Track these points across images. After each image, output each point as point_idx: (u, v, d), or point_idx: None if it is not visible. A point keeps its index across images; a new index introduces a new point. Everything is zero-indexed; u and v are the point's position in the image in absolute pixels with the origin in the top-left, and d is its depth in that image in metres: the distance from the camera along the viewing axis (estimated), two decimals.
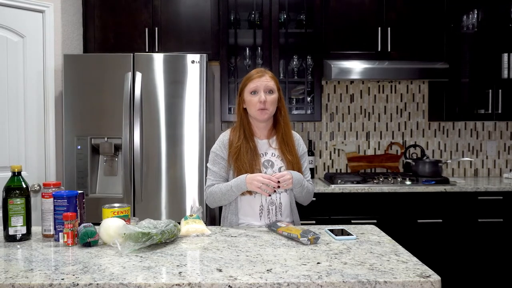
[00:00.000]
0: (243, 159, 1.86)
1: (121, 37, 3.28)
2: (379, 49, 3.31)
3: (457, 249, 3.07)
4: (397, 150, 3.70)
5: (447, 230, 3.07)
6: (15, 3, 2.76)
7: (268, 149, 1.94)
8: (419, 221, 3.06)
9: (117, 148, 2.89)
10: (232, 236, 1.69)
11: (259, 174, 1.79)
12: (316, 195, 3.03)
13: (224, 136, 1.98)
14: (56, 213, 1.63)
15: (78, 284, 1.18)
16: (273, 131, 1.97)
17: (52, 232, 1.66)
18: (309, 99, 3.42)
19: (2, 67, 2.72)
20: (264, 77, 1.89)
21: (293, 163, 1.89)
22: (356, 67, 3.23)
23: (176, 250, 1.50)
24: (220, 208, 3.07)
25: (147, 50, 3.25)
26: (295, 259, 1.39)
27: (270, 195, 1.85)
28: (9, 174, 1.66)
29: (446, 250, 3.07)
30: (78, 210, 1.66)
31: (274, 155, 1.93)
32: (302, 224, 2.03)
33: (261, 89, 1.87)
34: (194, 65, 2.84)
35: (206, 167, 2.80)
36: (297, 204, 2.04)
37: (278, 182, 1.75)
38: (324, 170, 3.69)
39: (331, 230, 1.73)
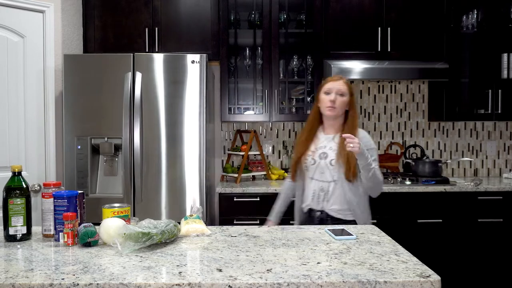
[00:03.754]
0: (298, 149, 2.22)
1: (121, 37, 3.28)
2: (379, 49, 3.31)
3: (457, 249, 3.07)
4: (397, 150, 3.70)
5: (447, 230, 3.07)
6: (15, 3, 2.76)
7: (329, 143, 2.16)
8: (419, 221, 3.06)
9: (117, 148, 2.89)
10: (232, 236, 1.69)
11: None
12: None
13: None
14: (56, 213, 1.63)
15: (78, 284, 1.18)
16: (340, 129, 2.17)
17: (52, 232, 1.66)
18: (309, 99, 3.42)
19: (2, 67, 2.72)
20: (338, 82, 2.15)
21: (348, 156, 2.04)
22: (356, 67, 3.23)
23: (176, 250, 1.50)
24: (220, 208, 3.08)
25: (147, 50, 3.25)
26: (295, 259, 1.39)
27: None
28: (9, 174, 1.66)
29: (446, 250, 3.07)
30: (78, 210, 1.66)
31: (331, 149, 2.14)
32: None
33: (333, 91, 2.13)
34: (194, 65, 2.84)
35: (206, 166, 2.83)
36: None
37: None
38: None
39: (331, 230, 1.73)
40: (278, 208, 2.36)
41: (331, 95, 2.13)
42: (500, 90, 3.33)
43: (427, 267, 1.31)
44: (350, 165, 2.04)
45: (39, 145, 2.89)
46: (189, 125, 2.84)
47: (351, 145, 1.92)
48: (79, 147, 2.85)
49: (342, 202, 2.13)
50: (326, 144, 2.17)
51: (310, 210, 2.18)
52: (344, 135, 1.97)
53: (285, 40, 3.40)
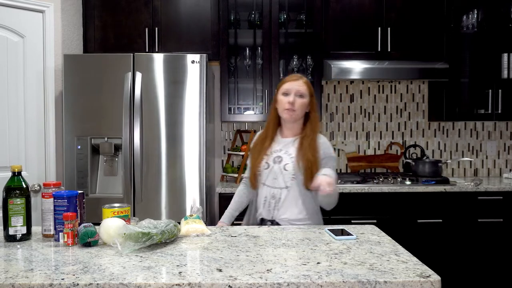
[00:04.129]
0: (255, 154, 2.07)
1: (121, 37, 3.28)
2: (379, 49, 3.31)
3: (457, 249, 3.07)
4: (397, 150, 3.70)
5: (447, 230, 3.07)
6: (15, 3, 2.76)
7: (284, 147, 2.03)
8: (419, 221, 3.06)
9: (117, 148, 2.89)
10: (232, 236, 1.69)
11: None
12: None
13: (258, 133, 2.19)
14: (56, 213, 1.63)
15: (78, 284, 1.18)
16: (299, 132, 2.06)
17: (52, 232, 1.66)
18: None
19: (2, 67, 2.72)
20: (297, 82, 2.02)
21: (308, 163, 1.92)
22: (356, 67, 3.23)
23: (176, 250, 1.50)
24: (220, 208, 3.08)
25: (147, 50, 3.25)
26: (295, 259, 1.39)
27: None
28: (9, 174, 1.66)
29: (446, 250, 3.07)
30: (78, 210, 1.66)
31: (287, 153, 2.01)
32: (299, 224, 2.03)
33: (292, 92, 1.99)
34: (194, 65, 2.84)
35: (206, 166, 2.88)
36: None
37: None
38: None
39: (331, 230, 1.73)
40: (231, 211, 2.17)
41: (289, 96, 1.98)
42: (500, 90, 3.33)
43: (427, 267, 1.31)
44: (311, 174, 1.88)
45: (39, 145, 2.89)
46: (189, 125, 2.84)
47: (327, 189, 1.73)
48: (79, 147, 2.85)
49: (294, 211, 1.97)
50: (282, 147, 2.03)
51: (262, 220, 2.03)
52: (314, 186, 1.78)
53: (285, 40, 3.40)
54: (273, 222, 1.99)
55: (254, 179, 2.05)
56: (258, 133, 2.18)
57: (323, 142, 2.03)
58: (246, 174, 2.22)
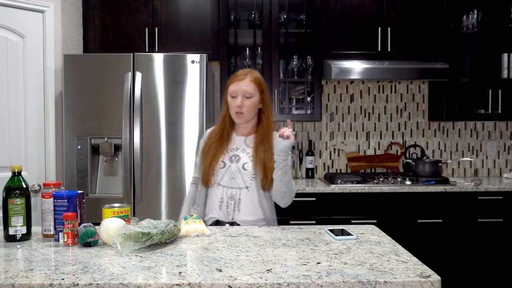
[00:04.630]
0: (210, 152, 1.96)
1: (121, 37, 3.28)
2: (379, 49, 3.31)
3: (457, 249, 3.07)
4: (397, 150, 3.70)
5: (447, 230, 3.07)
6: (15, 3, 2.76)
7: (241, 145, 1.97)
8: (419, 221, 3.06)
9: (117, 148, 2.89)
10: (232, 236, 1.69)
11: None
12: (316, 195, 3.03)
13: (208, 131, 2.10)
14: (56, 213, 1.62)
15: (78, 284, 1.18)
16: (254, 130, 1.99)
17: (52, 232, 1.66)
18: (309, 99, 3.42)
19: (2, 67, 2.72)
20: (244, 81, 1.91)
21: (265, 161, 1.88)
22: (356, 67, 3.23)
23: (176, 250, 1.50)
24: None
25: (147, 50, 3.25)
26: (295, 259, 1.39)
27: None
28: (9, 174, 1.66)
29: (446, 250, 3.07)
30: (78, 210, 1.66)
31: (245, 152, 1.95)
32: (302, 224, 2.03)
33: (239, 94, 1.90)
34: (194, 65, 2.84)
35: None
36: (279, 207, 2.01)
37: None
38: (324, 170, 3.69)
39: (331, 230, 1.73)
40: (185, 213, 2.06)
41: (237, 98, 1.89)
42: (500, 90, 3.33)
43: (427, 267, 1.31)
44: (267, 173, 1.86)
45: (39, 145, 2.89)
46: (189, 125, 2.84)
47: (288, 131, 1.80)
48: (79, 147, 2.85)
49: (255, 212, 1.93)
50: (239, 146, 1.97)
51: (217, 223, 1.95)
52: (279, 133, 1.82)
53: (285, 40, 3.40)
54: (233, 225, 1.92)
55: (209, 178, 1.94)
56: (209, 130, 2.08)
57: (279, 141, 1.92)
58: (196, 174, 2.08)
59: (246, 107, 1.90)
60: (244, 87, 1.90)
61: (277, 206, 2.01)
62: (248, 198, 1.92)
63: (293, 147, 3.63)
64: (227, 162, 1.94)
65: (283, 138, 1.82)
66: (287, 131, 1.81)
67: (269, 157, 1.88)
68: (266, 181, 1.88)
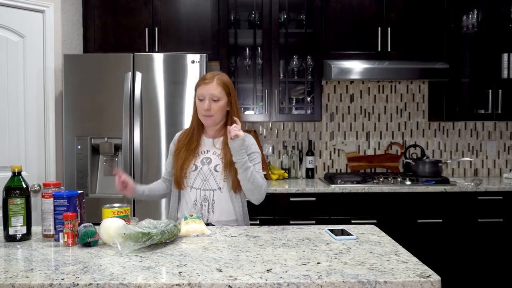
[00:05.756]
0: (181, 155, 1.97)
1: (121, 37, 3.28)
2: (379, 49, 3.31)
3: (457, 249, 3.07)
4: (397, 150, 3.70)
5: (447, 230, 3.07)
6: (15, 3, 2.76)
7: (211, 147, 1.99)
8: (419, 221, 3.06)
9: (117, 148, 2.89)
10: (232, 236, 1.69)
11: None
12: (316, 195, 3.03)
13: (177, 134, 2.10)
14: (56, 213, 1.63)
15: (78, 284, 1.18)
16: (222, 131, 2.00)
17: (52, 232, 1.66)
18: (309, 99, 3.42)
19: (2, 67, 2.72)
20: (210, 85, 1.92)
21: (232, 165, 1.89)
22: (356, 67, 3.23)
23: (176, 250, 1.50)
24: None
25: (147, 50, 3.25)
26: (295, 259, 1.39)
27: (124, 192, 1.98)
28: (9, 174, 1.66)
29: (446, 250, 3.07)
30: (78, 210, 1.66)
31: (215, 153, 1.97)
32: (302, 224, 2.03)
33: (206, 97, 1.92)
34: (194, 65, 2.85)
35: None
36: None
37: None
38: (324, 170, 3.69)
39: (331, 230, 1.73)
40: (145, 187, 2.06)
41: (204, 102, 1.91)
42: (500, 90, 3.33)
43: (427, 267, 1.31)
44: (236, 174, 1.87)
45: (39, 145, 2.89)
46: (189, 125, 2.83)
47: (235, 129, 1.80)
48: (79, 147, 2.85)
49: (229, 213, 1.95)
50: (209, 148, 1.98)
51: None
52: (228, 128, 1.83)
53: (285, 40, 3.40)
54: (207, 225, 1.87)
55: (182, 181, 1.95)
56: (179, 133, 2.10)
57: (247, 140, 1.95)
58: (167, 175, 2.09)
59: (213, 110, 1.92)
60: (211, 91, 1.91)
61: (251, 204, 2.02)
62: (221, 199, 1.94)
63: (293, 147, 3.63)
64: (198, 164, 1.95)
65: (232, 139, 1.82)
66: (232, 130, 1.82)
67: None
68: (236, 184, 1.90)
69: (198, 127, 2.01)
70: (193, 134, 2.01)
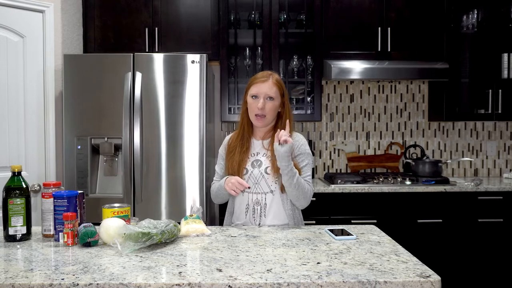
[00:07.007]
0: (235, 158, 1.93)
1: (121, 37, 3.28)
2: (379, 49, 3.31)
3: (457, 249, 3.07)
4: (397, 150, 3.70)
5: (447, 230, 3.07)
6: (15, 3, 2.76)
7: (261, 150, 1.96)
8: (419, 221, 3.06)
9: (117, 148, 2.89)
10: (232, 236, 1.69)
11: (234, 177, 1.87)
12: (316, 195, 3.03)
13: (227, 138, 2.07)
14: (56, 213, 1.63)
15: (78, 284, 1.18)
16: (270, 133, 1.96)
17: (52, 232, 1.66)
18: (309, 99, 3.42)
19: (2, 67, 2.72)
20: (266, 83, 1.88)
21: None
22: (356, 67, 3.23)
23: (176, 250, 1.50)
24: (220, 208, 3.08)
25: (147, 50, 3.25)
26: (295, 259, 1.39)
27: (237, 193, 1.88)
28: (9, 174, 1.66)
29: (446, 250, 3.07)
30: (78, 210, 1.66)
31: (265, 155, 1.93)
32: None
33: (261, 96, 1.87)
34: (194, 65, 2.84)
35: (206, 166, 2.80)
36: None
37: (249, 188, 1.88)
38: (324, 170, 3.69)
39: (331, 230, 1.73)
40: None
41: (258, 100, 1.86)
42: (500, 90, 3.33)
43: (427, 267, 1.31)
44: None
45: (39, 145, 2.89)
46: (189, 125, 2.84)
47: (286, 135, 1.75)
48: (79, 147, 2.85)
49: (282, 216, 1.91)
50: (259, 150, 1.94)
51: None
52: (276, 134, 1.78)
53: (285, 40, 3.40)
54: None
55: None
56: (228, 137, 2.05)
57: (298, 140, 1.93)
58: (218, 179, 2.05)
59: (268, 109, 1.87)
60: (266, 90, 1.87)
61: None
62: (274, 202, 1.90)
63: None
64: (249, 168, 1.92)
65: (280, 144, 1.78)
66: (283, 135, 1.77)
67: None
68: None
69: (248, 128, 1.97)
70: (243, 136, 1.96)
